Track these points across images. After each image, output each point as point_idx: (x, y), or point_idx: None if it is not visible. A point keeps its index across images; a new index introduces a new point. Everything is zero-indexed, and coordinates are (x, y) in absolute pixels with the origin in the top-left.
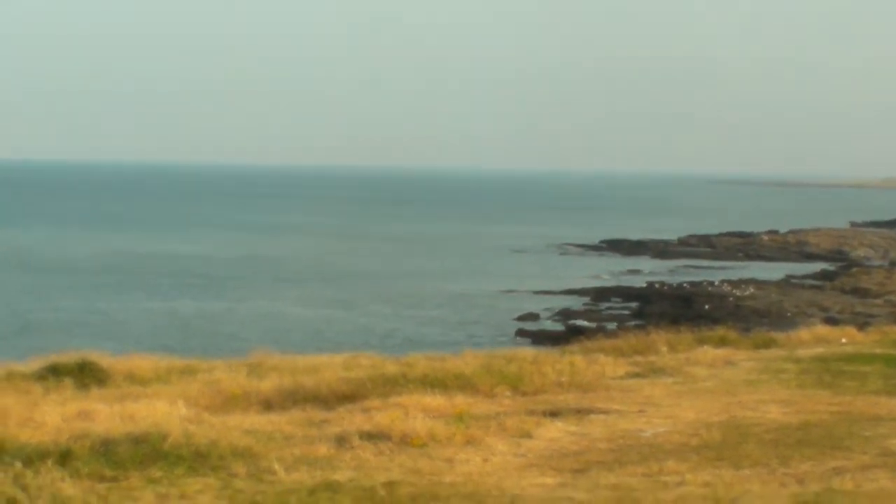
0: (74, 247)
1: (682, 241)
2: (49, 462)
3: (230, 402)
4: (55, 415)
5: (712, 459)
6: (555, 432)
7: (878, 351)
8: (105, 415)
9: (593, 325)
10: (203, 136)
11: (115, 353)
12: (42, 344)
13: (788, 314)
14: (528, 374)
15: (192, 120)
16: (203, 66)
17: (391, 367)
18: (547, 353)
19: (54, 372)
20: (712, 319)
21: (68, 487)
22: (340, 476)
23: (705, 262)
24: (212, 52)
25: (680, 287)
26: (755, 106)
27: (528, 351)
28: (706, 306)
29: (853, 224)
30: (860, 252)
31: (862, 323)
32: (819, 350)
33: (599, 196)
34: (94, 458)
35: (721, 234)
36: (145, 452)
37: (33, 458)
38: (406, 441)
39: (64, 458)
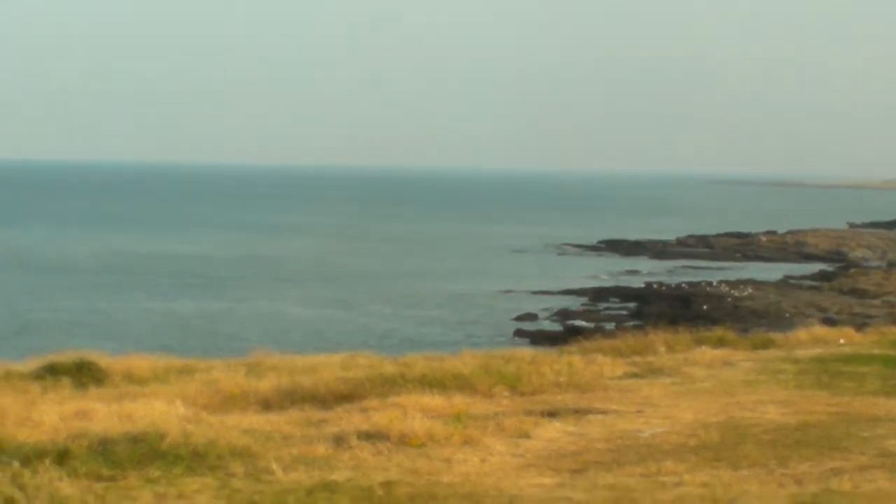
0: (74, 247)
1: (681, 242)
2: (47, 461)
3: (228, 402)
4: (53, 414)
5: (710, 460)
6: (553, 432)
7: (876, 352)
8: (103, 414)
9: (591, 325)
10: (203, 137)
11: (115, 353)
12: (41, 344)
13: (786, 315)
14: (526, 374)
15: (192, 120)
16: (203, 67)
17: (389, 367)
18: (545, 354)
19: (52, 371)
20: (710, 320)
21: (66, 487)
22: (338, 476)
23: (703, 263)
24: (212, 52)
25: (678, 287)
26: (755, 106)
27: (526, 351)
28: (704, 307)
29: (851, 225)
30: (858, 253)
31: (860, 324)
32: (817, 351)
33: (598, 196)
34: (91, 457)
35: (719, 235)
36: (143, 452)
37: (31, 457)
38: (404, 441)
39: (62, 457)
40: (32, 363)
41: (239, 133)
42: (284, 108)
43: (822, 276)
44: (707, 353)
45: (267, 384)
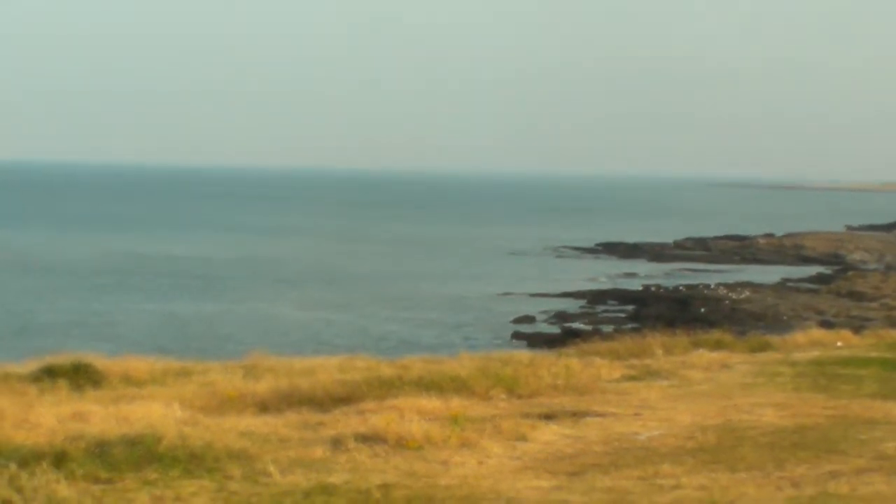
0: (72, 248)
1: (679, 244)
2: (44, 464)
3: (225, 404)
4: (50, 416)
5: (708, 463)
6: (550, 435)
7: (873, 354)
8: (100, 416)
9: (589, 327)
10: (203, 137)
11: (112, 355)
12: (39, 345)
13: (784, 317)
14: (523, 376)
15: (191, 121)
16: (203, 67)
17: (387, 370)
18: (543, 356)
19: (49, 373)
20: (708, 322)
21: (63, 489)
22: (335, 478)
23: (701, 266)
24: (212, 52)
25: (676, 290)
26: (755, 106)
27: (523, 353)
28: (702, 309)
29: (849, 228)
30: (856, 256)
31: (857, 326)
32: (815, 353)
33: (597, 198)
34: (89, 459)
35: (717, 238)
36: (140, 454)
37: (28, 459)
38: (401, 443)
39: (59, 459)
40: (30, 365)
41: (238, 133)
42: (284, 109)
43: (820, 279)
44: (704, 355)
45: (264, 386)
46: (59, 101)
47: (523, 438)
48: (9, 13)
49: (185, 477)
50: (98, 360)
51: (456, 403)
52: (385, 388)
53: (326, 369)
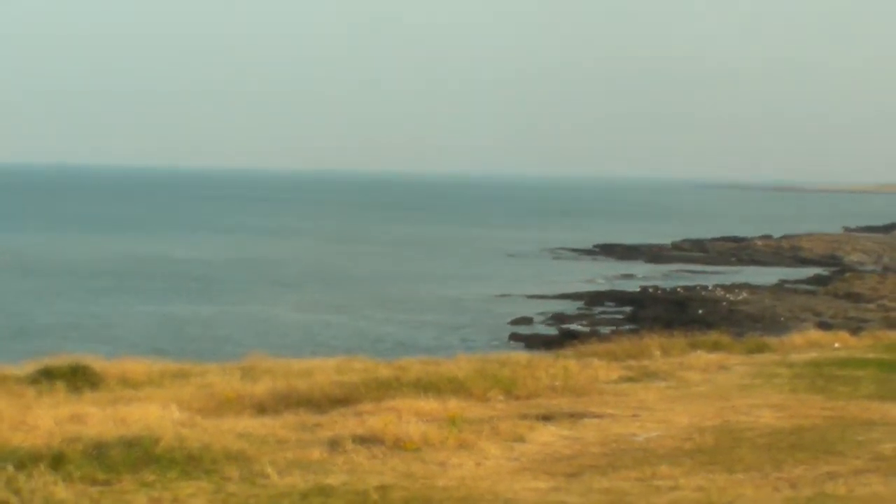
0: (71, 250)
1: (676, 246)
2: (42, 465)
3: (223, 406)
4: (48, 418)
5: (705, 464)
6: (548, 436)
7: (870, 356)
8: (98, 418)
9: (587, 329)
10: (203, 138)
11: (110, 357)
12: (36, 347)
13: (782, 319)
14: (521, 378)
15: (191, 121)
16: (203, 67)
17: (384, 371)
18: (540, 357)
19: (47, 375)
20: (706, 324)
21: (61, 491)
22: (333, 480)
23: (699, 267)
24: (212, 52)
25: (673, 291)
26: (755, 106)
27: (521, 355)
28: (700, 311)
29: (847, 229)
30: (853, 257)
31: (855, 328)
32: (812, 355)
33: (595, 200)
34: (86, 461)
35: (714, 239)
36: (138, 456)
37: (26, 461)
38: (399, 445)
39: (56, 461)
40: (27, 367)
41: (238, 134)
42: (284, 109)
43: (818, 281)
44: (702, 357)
45: (262, 388)
46: (59, 101)
47: (521, 440)
48: (9, 13)
49: (183, 478)
50: (96, 362)
51: (453, 405)
52: (383, 389)
53: (324, 371)
